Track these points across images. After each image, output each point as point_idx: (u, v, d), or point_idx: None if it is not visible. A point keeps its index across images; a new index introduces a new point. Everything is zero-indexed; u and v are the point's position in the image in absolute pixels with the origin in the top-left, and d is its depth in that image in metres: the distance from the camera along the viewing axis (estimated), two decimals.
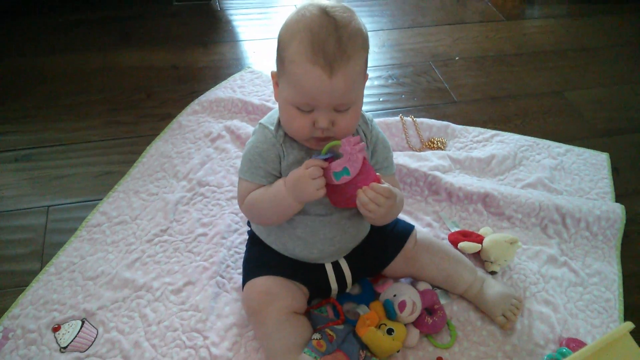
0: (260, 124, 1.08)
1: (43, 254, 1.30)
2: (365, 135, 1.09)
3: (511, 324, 1.14)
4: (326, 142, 0.98)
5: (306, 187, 0.96)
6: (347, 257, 1.15)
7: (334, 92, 0.93)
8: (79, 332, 1.13)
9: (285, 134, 1.04)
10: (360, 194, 0.96)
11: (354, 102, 0.98)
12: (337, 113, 0.96)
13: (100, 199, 1.42)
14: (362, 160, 0.95)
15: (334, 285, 1.14)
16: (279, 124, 1.05)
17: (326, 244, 1.10)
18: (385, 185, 0.99)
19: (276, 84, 1.02)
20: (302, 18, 0.94)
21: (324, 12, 0.93)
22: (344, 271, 1.14)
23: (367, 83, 1.83)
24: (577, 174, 1.54)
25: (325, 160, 0.97)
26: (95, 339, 1.13)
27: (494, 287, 1.18)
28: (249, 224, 1.26)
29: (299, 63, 0.92)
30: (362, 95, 1.02)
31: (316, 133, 0.98)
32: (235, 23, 2.25)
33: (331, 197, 1.01)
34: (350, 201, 0.99)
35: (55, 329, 1.14)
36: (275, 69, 1.03)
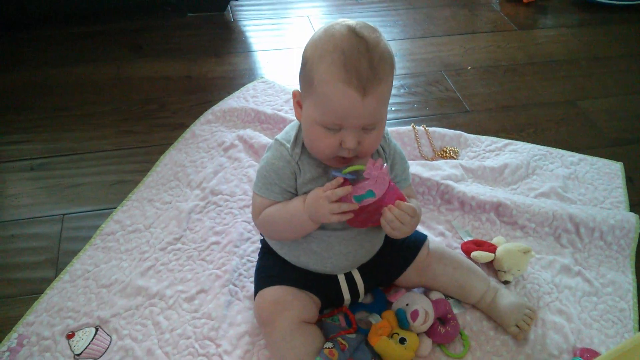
0: (276, 140, 1.07)
1: (58, 262, 1.31)
2: (383, 149, 1.09)
3: (524, 334, 1.13)
4: (349, 161, 0.99)
5: (321, 209, 0.96)
6: (359, 268, 1.15)
7: (365, 112, 0.92)
8: (92, 339, 1.14)
9: (302, 152, 1.03)
10: (386, 212, 0.97)
11: (380, 123, 0.98)
12: (364, 132, 0.96)
13: (115, 208, 1.43)
14: (388, 182, 0.95)
15: (346, 295, 1.14)
16: (295, 141, 1.04)
17: (340, 258, 1.10)
18: (411, 203, 0.99)
19: (298, 104, 1.01)
20: (332, 38, 0.92)
21: (354, 33, 0.92)
22: (357, 282, 1.14)
23: None
24: (591, 183, 1.53)
25: (346, 181, 0.97)
26: (108, 346, 1.13)
27: (507, 297, 1.17)
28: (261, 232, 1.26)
29: (331, 83, 0.91)
30: (386, 114, 1.01)
31: (342, 153, 0.97)
32: (248, 34, 2.26)
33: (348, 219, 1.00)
34: (369, 222, 1.00)
35: (69, 336, 1.15)
36: (298, 89, 1.01)
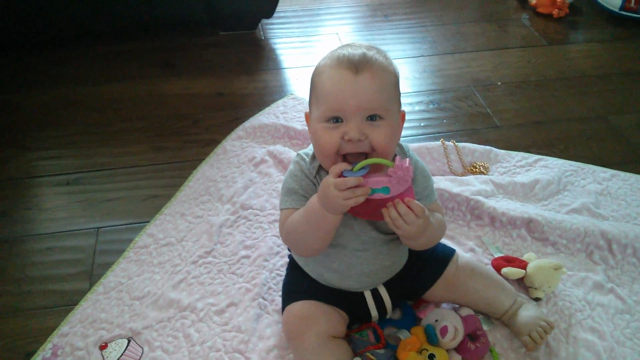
0: (297, 154, 1.08)
1: (92, 274, 1.34)
2: None
3: (536, 345, 1.11)
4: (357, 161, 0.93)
5: (332, 198, 0.90)
6: (386, 284, 1.15)
7: (360, 91, 0.92)
8: (125, 350, 1.16)
9: (320, 167, 1.04)
10: (390, 209, 0.92)
11: (387, 114, 0.95)
12: (369, 125, 0.94)
13: (148, 221, 1.46)
14: (409, 184, 0.91)
15: (374, 312, 1.14)
16: (314, 156, 1.05)
17: (362, 276, 1.10)
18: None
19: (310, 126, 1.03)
20: (330, 53, 1.00)
21: (353, 45, 0.99)
22: (384, 298, 1.14)
23: (408, 108, 1.85)
24: (624, 200, 1.51)
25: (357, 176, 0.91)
26: (140, 357, 1.15)
27: (528, 310, 1.16)
28: (289, 248, 1.27)
29: (325, 72, 0.96)
30: (396, 113, 0.99)
31: (346, 147, 0.94)
32: (278, 51, 2.29)
33: (354, 208, 0.92)
34: (374, 215, 0.95)
35: (103, 347, 1.17)
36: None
